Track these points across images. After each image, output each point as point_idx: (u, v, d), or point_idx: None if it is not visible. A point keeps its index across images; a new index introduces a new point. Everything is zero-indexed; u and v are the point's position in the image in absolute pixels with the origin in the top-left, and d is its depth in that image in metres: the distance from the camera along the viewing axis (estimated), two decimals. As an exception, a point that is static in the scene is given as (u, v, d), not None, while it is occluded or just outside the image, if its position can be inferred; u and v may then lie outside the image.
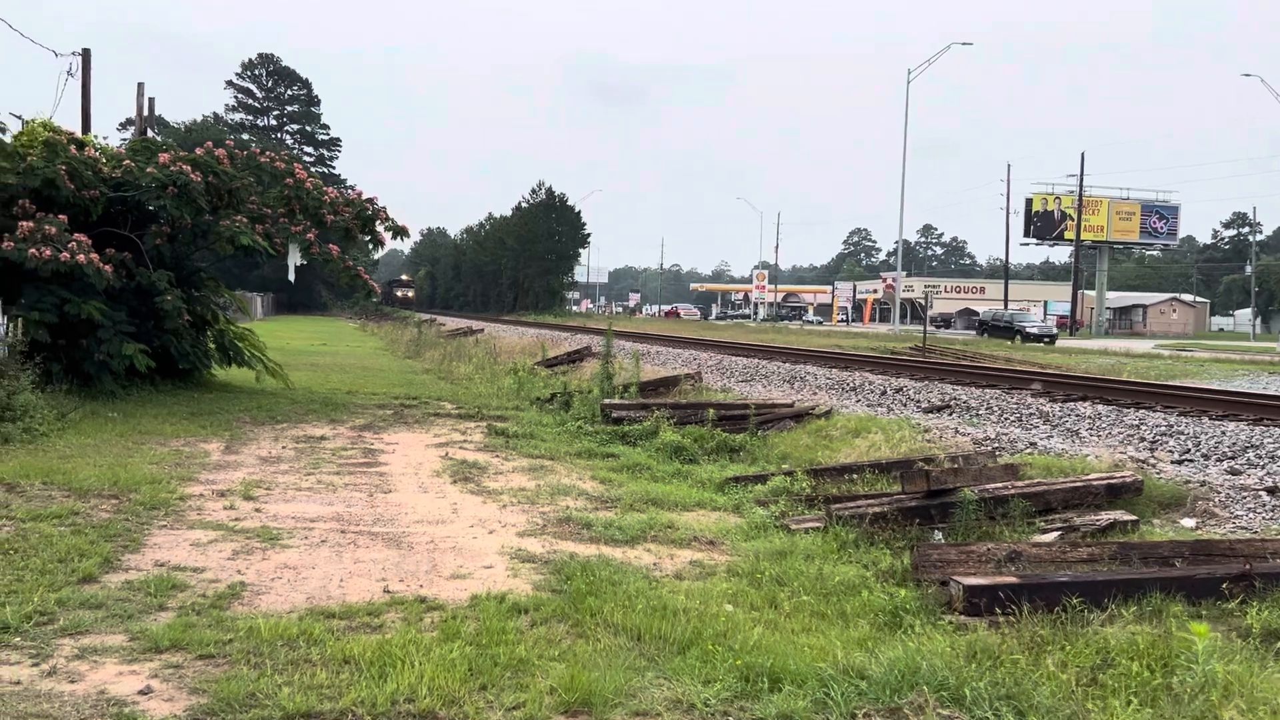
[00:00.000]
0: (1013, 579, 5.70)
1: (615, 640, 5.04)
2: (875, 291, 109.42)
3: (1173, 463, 10.16)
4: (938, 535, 7.61)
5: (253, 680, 4.33)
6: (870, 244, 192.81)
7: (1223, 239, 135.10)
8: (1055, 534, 7.60)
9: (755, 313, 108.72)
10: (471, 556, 6.74)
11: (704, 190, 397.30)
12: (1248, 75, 73.34)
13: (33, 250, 13.16)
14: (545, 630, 5.18)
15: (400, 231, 17.54)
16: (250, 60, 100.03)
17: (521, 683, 4.44)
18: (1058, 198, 74.73)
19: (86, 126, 25.73)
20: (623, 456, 11.11)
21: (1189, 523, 8.19)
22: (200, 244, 16.56)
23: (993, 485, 8.13)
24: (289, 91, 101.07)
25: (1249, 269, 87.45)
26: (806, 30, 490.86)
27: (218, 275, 18.96)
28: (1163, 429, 11.86)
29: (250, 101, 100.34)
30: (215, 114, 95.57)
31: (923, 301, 48.06)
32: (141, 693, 4.24)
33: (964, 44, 56.93)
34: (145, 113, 30.59)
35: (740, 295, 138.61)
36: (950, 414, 14.13)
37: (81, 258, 13.38)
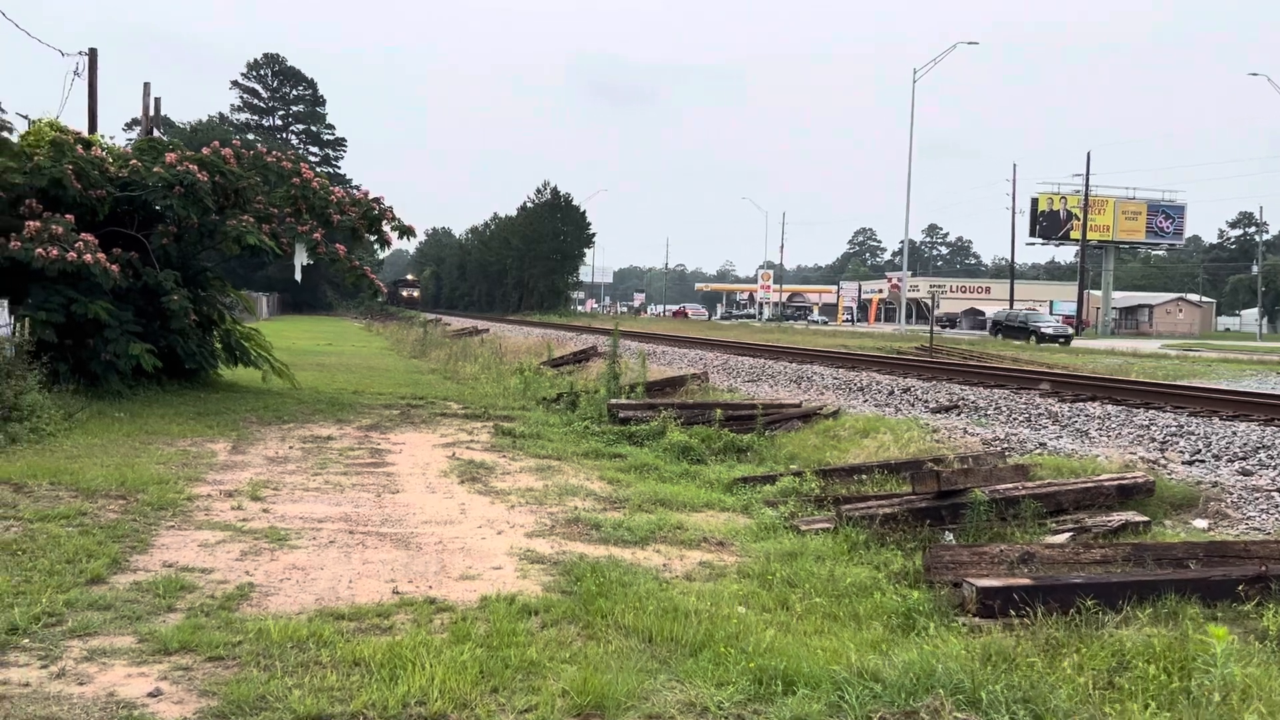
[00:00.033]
0: (1026, 581, 5.65)
1: (626, 642, 5.00)
2: (880, 291, 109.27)
3: (1184, 463, 10.10)
4: (948, 536, 7.56)
5: (263, 682, 4.30)
6: (875, 244, 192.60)
7: (1229, 239, 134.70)
8: (1067, 535, 7.54)
9: (760, 313, 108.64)
10: (480, 557, 6.70)
11: (709, 190, 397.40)
12: (1255, 74, 73.20)
13: (40, 250, 13.16)
14: (556, 632, 5.14)
15: (406, 231, 17.53)
16: (256, 60, 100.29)
17: (533, 685, 4.41)
18: (1063, 197, 74.52)
19: (93, 126, 25.78)
20: (630, 457, 11.08)
21: (1201, 524, 8.14)
22: (207, 244, 16.56)
23: (1003, 486, 8.09)
24: (294, 91, 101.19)
25: (1255, 269, 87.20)
26: (811, 30, 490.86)
27: (224, 275, 18.95)
28: (1173, 429, 11.81)
29: (256, 101, 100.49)
30: (220, 114, 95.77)
31: (928, 301, 48.02)
32: (151, 695, 4.21)
33: (970, 43, 56.70)
34: (151, 112, 30.61)
35: (745, 295, 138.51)
36: (958, 414, 14.08)
37: (88, 257, 13.38)
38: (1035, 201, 74.86)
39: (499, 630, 5.05)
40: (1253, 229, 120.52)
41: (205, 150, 15.79)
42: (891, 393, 16.57)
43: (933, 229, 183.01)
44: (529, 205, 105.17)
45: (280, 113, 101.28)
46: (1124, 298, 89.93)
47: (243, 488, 8.63)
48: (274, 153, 16.91)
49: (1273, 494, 8.49)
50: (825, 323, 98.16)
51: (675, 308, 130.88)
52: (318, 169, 18.72)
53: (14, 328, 12.64)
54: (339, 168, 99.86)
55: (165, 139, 24.55)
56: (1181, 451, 10.68)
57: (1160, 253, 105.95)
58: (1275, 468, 9.53)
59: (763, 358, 25.17)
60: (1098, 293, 77.85)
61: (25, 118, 16.81)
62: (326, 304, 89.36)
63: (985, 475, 8.35)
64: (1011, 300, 73.23)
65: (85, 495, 7.93)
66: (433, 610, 5.46)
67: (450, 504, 8.44)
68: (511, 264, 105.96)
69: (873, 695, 4.31)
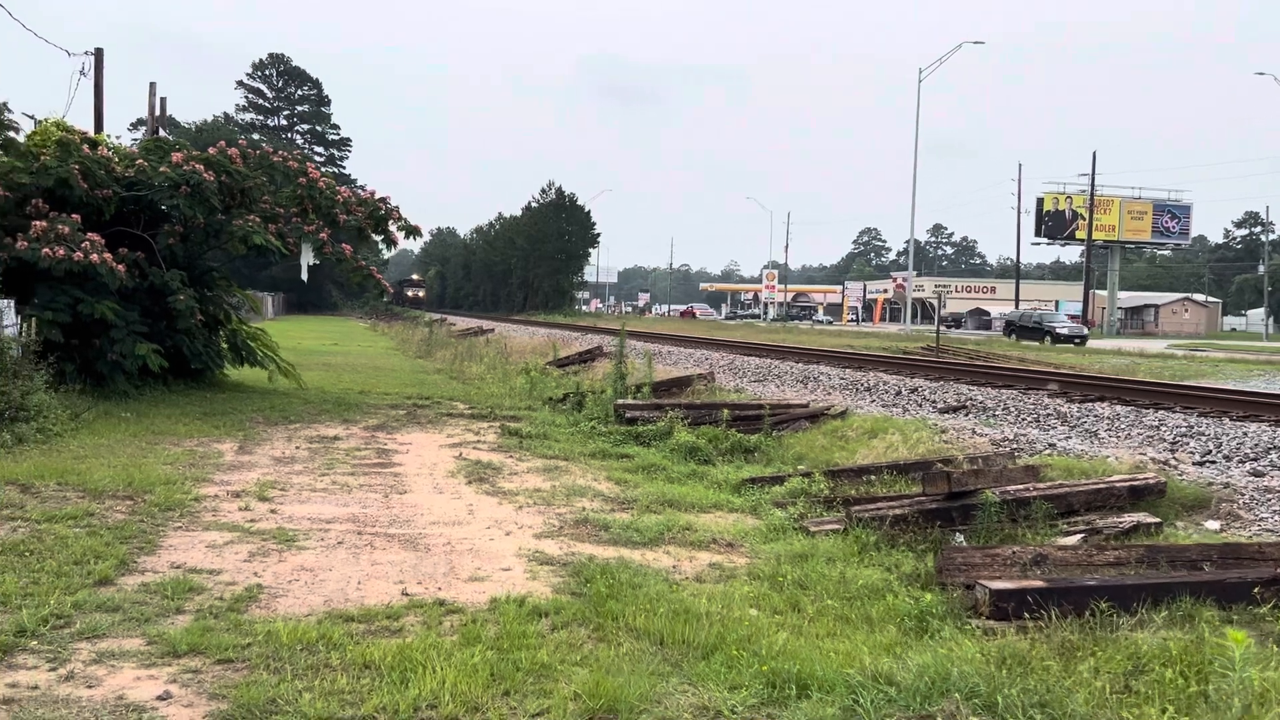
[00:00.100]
0: (1040, 583, 5.61)
1: (638, 645, 4.97)
2: (885, 291, 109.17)
3: (1194, 464, 10.04)
4: (959, 538, 7.51)
5: (273, 686, 4.27)
6: (880, 243, 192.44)
7: (1235, 238, 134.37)
8: (1078, 536, 7.50)
9: (765, 312, 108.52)
10: (489, 558, 6.67)
11: (713, 190, 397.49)
12: (1261, 74, 73.00)
13: (46, 250, 13.15)
14: (566, 634, 5.11)
15: (413, 231, 17.51)
16: (261, 60, 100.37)
17: (544, 688, 4.37)
18: (1069, 197, 74.40)
19: (99, 126, 25.76)
20: (637, 457, 11.04)
21: (1213, 525, 8.08)
22: (213, 243, 16.56)
23: (1014, 487, 8.04)
24: (299, 91, 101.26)
25: (1262, 268, 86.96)
26: (816, 30, 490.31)
27: (229, 274, 18.95)
28: (1183, 430, 11.75)
29: (261, 102, 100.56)
30: (225, 114, 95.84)
31: (934, 301, 47.87)
32: (160, 698, 4.18)
33: (975, 43, 56.67)
34: (157, 112, 30.62)
35: (750, 295, 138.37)
36: (967, 414, 14.02)
37: (95, 257, 13.36)
38: (1041, 201, 74.74)
39: (509, 632, 5.01)
40: (1259, 229, 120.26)
41: (211, 150, 15.78)
42: (899, 393, 16.52)
43: (938, 229, 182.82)
44: (534, 205, 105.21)
45: (285, 113, 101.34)
46: (1129, 298, 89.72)
47: (250, 488, 8.61)
48: (280, 152, 16.90)
49: (1285, 495, 8.42)
50: (830, 323, 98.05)
51: (683, 307, 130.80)
52: (323, 169, 18.68)
53: (21, 328, 12.63)
54: (344, 168, 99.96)
55: (171, 139, 24.57)
56: (1192, 452, 10.62)
57: (1166, 253, 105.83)
58: (1287, 469, 9.47)
59: (768, 358, 25.12)
60: (1103, 293, 77.69)
61: (31, 118, 16.77)
62: (332, 304, 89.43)
63: (996, 476, 8.30)
64: (1017, 300, 73.10)
65: (92, 496, 7.91)
66: (442, 612, 5.43)
67: (458, 504, 8.41)
68: (516, 264, 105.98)
69: (887, 699, 4.27)
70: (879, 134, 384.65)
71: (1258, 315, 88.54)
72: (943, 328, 49.34)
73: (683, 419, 12.76)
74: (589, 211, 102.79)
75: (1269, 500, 8.37)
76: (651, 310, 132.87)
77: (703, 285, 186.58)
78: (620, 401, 14.03)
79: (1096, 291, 77.20)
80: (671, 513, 8.22)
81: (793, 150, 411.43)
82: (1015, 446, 11.03)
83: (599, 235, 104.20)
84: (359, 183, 78.93)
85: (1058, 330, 48.51)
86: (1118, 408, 13.88)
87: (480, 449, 11.51)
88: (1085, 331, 50.61)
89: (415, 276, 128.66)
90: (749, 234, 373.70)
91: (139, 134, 60.50)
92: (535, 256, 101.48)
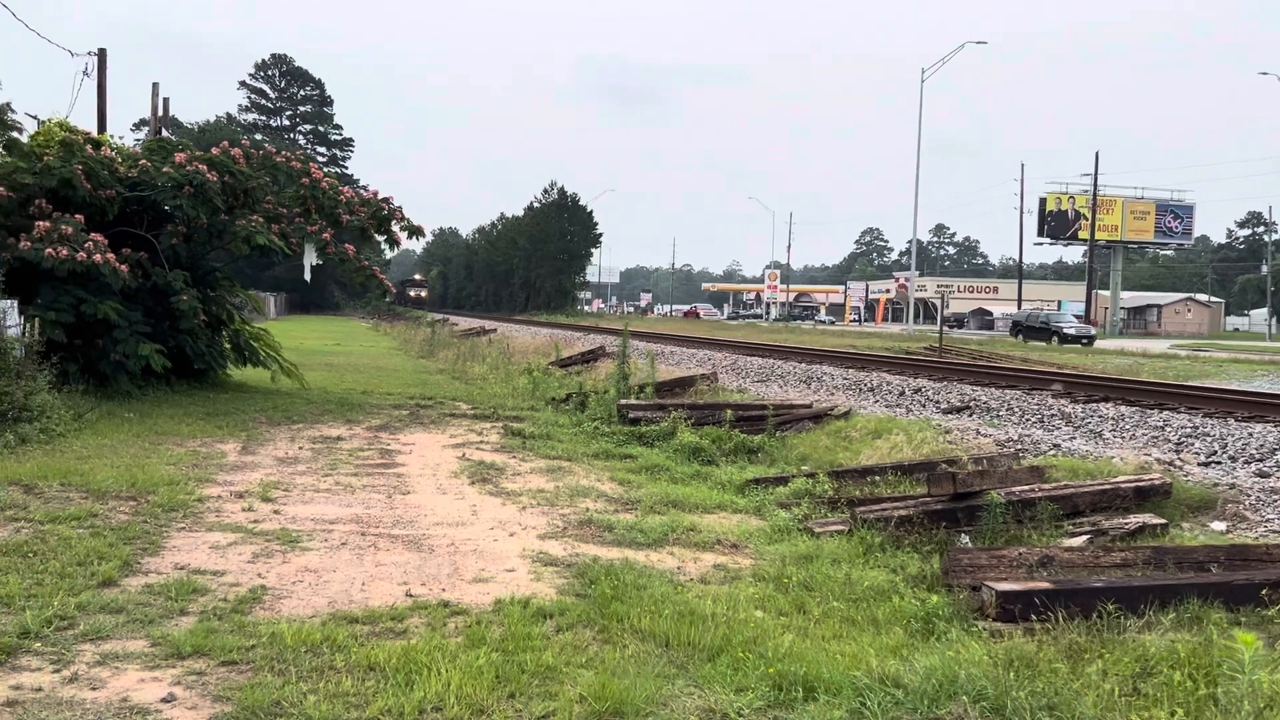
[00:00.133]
0: (1046, 584, 5.58)
1: (643, 647, 4.95)
2: (888, 291, 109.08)
3: (1199, 465, 10.01)
4: (964, 539, 7.49)
5: (277, 688, 4.25)
6: (882, 243, 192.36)
7: (1238, 238, 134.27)
8: (1084, 538, 7.47)
9: (767, 312, 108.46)
10: (493, 559, 6.65)
11: (715, 190, 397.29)
12: (1265, 74, 72.88)
13: (49, 250, 13.15)
14: (571, 636, 5.09)
15: (416, 231, 17.50)
16: (263, 61, 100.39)
17: (550, 691, 4.35)
18: (1072, 197, 74.30)
19: (102, 126, 25.78)
20: (640, 458, 11.02)
21: (1219, 526, 8.06)
22: (216, 244, 16.55)
23: (1019, 488, 8.01)
24: (301, 91, 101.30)
25: (1265, 268, 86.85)
26: (817, 30, 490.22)
27: (232, 275, 18.94)
28: (1188, 430, 11.72)
29: (263, 102, 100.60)
30: (228, 114, 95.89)
31: (936, 301, 47.79)
32: (164, 700, 4.17)
33: (978, 42, 56.65)
34: (160, 113, 30.65)
35: (752, 295, 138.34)
36: (970, 415, 13.99)
37: (98, 257, 13.36)
38: (1043, 201, 74.66)
39: (514, 634, 5.00)
40: (1261, 229, 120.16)
41: (215, 150, 15.78)
42: (902, 393, 16.49)
43: (940, 229, 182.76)
44: (536, 205, 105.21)
45: (288, 113, 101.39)
46: (1132, 298, 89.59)
47: (253, 489, 8.60)
48: (283, 153, 16.88)
49: (1292, 496, 8.39)
50: (832, 323, 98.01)
51: (686, 307, 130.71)
52: (326, 169, 18.67)
53: (24, 328, 12.63)
54: (346, 168, 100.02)
55: (174, 139, 24.56)
56: (1197, 453, 10.59)
57: (1169, 253, 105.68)
58: (1293, 470, 9.43)
59: (771, 358, 25.10)
60: (1106, 293, 77.59)
61: (35, 118, 16.80)
62: (334, 304, 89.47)
63: (1001, 477, 8.27)
64: (1020, 301, 73.05)
65: (96, 496, 7.89)
66: (447, 613, 5.41)
67: (461, 505, 8.40)
68: (518, 264, 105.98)
69: (895, 702, 4.25)
70: (880, 134, 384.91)
71: (1261, 315, 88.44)
72: (945, 328, 49.28)
73: (686, 419, 12.74)
74: (591, 211, 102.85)
75: (1275, 501, 8.34)
76: (653, 310, 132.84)
77: (705, 285, 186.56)
78: (623, 402, 14.01)
79: (1099, 291, 77.10)
80: (675, 513, 8.21)
81: (794, 150, 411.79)
82: (1020, 447, 11.01)
83: (601, 235, 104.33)
84: (361, 183, 78.95)
85: (1065, 330, 48.31)
86: (1122, 408, 13.84)
87: (483, 449, 11.49)
88: (1093, 332, 50.38)
89: (418, 276, 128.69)
90: (751, 234, 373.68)
91: (142, 134, 60.56)
92: (537, 256, 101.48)
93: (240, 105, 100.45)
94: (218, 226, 15.80)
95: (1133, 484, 8.44)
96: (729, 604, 5.65)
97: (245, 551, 6.58)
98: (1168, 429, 11.91)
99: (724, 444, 11.66)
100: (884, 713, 4.14)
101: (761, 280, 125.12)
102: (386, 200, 17.00)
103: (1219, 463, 10.08)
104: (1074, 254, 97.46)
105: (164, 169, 14.76)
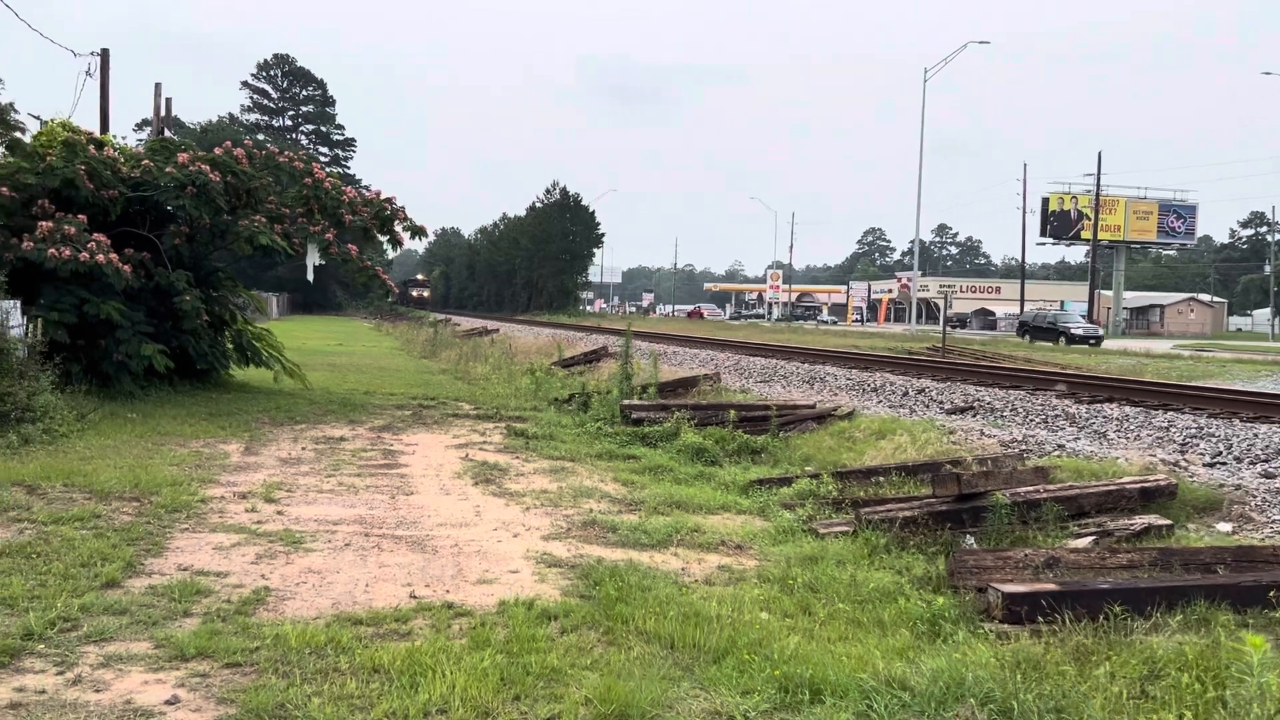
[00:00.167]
0: (1053, 586, 5.56)
1: (648, 648, 4.93)
2: (890, 291, 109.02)
3: (1205, 466, 9.98)
4: (969, 540, 7.46)
5: (281, 690, 4.23)
6: (884, 243, 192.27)
7: (1240, 238, 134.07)
8: (1089, 539, 7.44)
9: (769, 313, 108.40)
10: (497, 560, 6.64)
11: (717, 190, 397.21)
12: (1267, 74, 72.83)
13: (52, 250, 13.14)
14: (576, 638, 5.07)
15: (418, 231, 17.49)
16: (266, 61, 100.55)
17: (555, 693, 4.33)
18: (1074, 197, 74.17)
19: (105, 126, 25.80)
20: (644, 458, 11.00)
21: (1225, 527, 8.03)
22: (219, 244, 16.54)
23: (1024, 489, 7.98)
24: (304, 92, 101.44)
25: (1267, 268, 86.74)
26: (819, 31, 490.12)
27: (235, 275, 18.94)
28: (1193, 431, 11.69)
29: (266, 102, 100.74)
30: (230, 114, 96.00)
31: (938, 301, 47.68)
32: (168, 702, 4.15)
33: (981, 42, 56.57)
34: (163, 113, 30.66)
35: (754, 295, 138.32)
36: (974, 415, 13.97)
37: (101, 258, 13.36)
38: (1046, 201, 74.53)
39: (518, 636, 4.98)
40: (1264, 229, 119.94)
41: (217, 150, 15.77)
42: (906, 393, 16.47)
43: (942, 229, 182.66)
44: (538, 205, 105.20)
45: (290, 113, 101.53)
46: (1135, 298, 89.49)
47: (256, 489, 8.58)
48: (286, 153, 16.89)
49: (1298, 497, 8.36)
50: (835, 323, 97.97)
51: (690, 308, 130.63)
52: (328, 169, 18.66)
53: (27, 328, 12.63)
54: (349, 168, 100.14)
55: (177, 139, 24.57)
56: (1202, 454, 10.56)
57: (1171, 253, 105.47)
58: (1299, 470, 9.40)
59: (774, 358, 25.07)
60: (1108, 293, 77.47)
61: (38, 118, 16.86)
62: (336, 304, 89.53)
63: (1005, 478, 8.25)
64: (1022, 301, 72.92)
65: (99, 497, 7.88)
66: (451, 615, 5.39)
67: (465, 506, 8.38)
68: (520, 264, 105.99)
69: (901, 705, 4.23)
70: (882, 134, 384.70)
71: (1263, 315, 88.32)
72: (949, 328, 49.17)
73: (689, 420, 12.72)
74: (593, 211, 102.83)
75: (1281, 502, 8.31)
76: (656, 310, 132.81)
77: (707, 285, 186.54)
78: (626, 402, 13.99)
79: (1101, 291, 76.99)
80: (679, 514, 8.19)
81: (795, 150, 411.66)
82: (1024, 448, 10.98)
83: (603, 235, 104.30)
84: (364, 183, 78.95)
85: (1073, 331, 47.96)
86: (1126, 409, 13.81)
87: (486, 450, 11.48)
88: (1100, 332, 49.99)
89: (420, 277, 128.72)
90: (753, 234, 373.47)
91: (144, 134, 60.67)
92: (539, 257, 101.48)
93: (243, 105, 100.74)
94: (220, 227, 15.80)
95: (1138, 485, 8.41)
96: (734, 605, 5.63)
97: (249, 552, 6.57)
98: (1172, 430, 11.88)
99: (727, 444, 11.65)
100: (891, 715, 4.12)
101: (764, 280, 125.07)
102: (389, 200, 17.00)
103: (1224, 463, 10.05)
104: (1076, 254, 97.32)
105: (167, 169, 14.75)
